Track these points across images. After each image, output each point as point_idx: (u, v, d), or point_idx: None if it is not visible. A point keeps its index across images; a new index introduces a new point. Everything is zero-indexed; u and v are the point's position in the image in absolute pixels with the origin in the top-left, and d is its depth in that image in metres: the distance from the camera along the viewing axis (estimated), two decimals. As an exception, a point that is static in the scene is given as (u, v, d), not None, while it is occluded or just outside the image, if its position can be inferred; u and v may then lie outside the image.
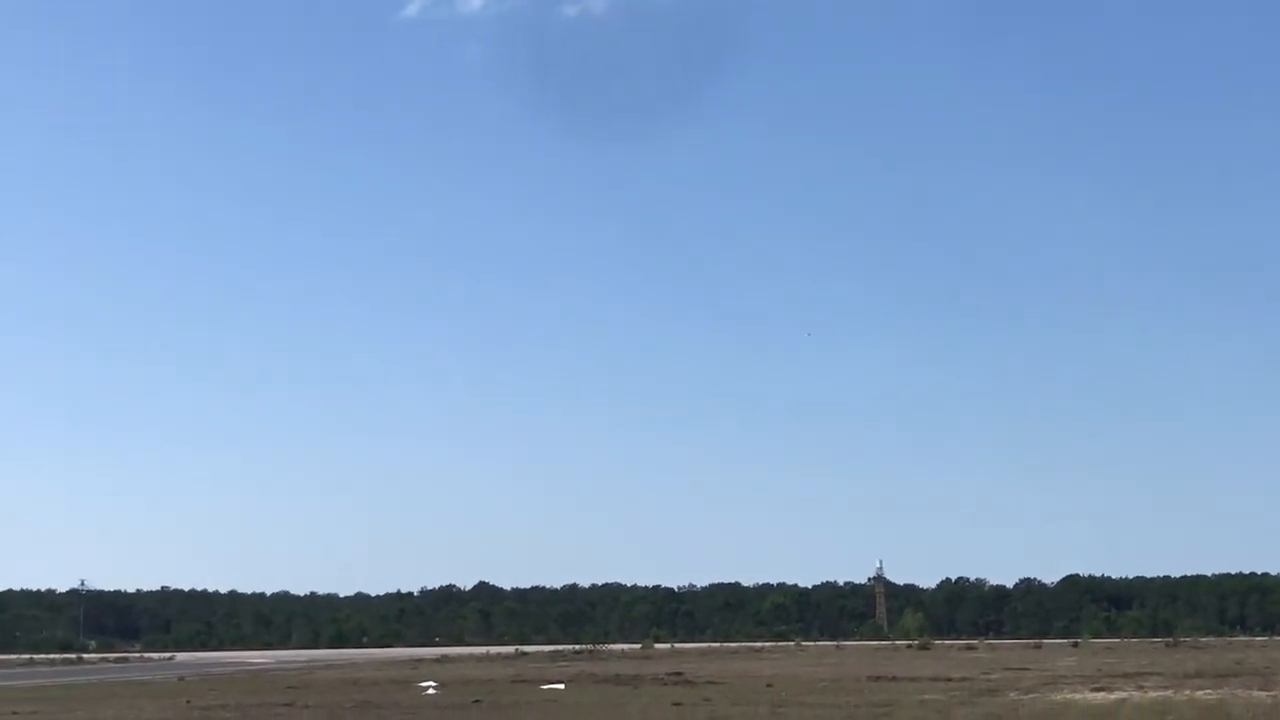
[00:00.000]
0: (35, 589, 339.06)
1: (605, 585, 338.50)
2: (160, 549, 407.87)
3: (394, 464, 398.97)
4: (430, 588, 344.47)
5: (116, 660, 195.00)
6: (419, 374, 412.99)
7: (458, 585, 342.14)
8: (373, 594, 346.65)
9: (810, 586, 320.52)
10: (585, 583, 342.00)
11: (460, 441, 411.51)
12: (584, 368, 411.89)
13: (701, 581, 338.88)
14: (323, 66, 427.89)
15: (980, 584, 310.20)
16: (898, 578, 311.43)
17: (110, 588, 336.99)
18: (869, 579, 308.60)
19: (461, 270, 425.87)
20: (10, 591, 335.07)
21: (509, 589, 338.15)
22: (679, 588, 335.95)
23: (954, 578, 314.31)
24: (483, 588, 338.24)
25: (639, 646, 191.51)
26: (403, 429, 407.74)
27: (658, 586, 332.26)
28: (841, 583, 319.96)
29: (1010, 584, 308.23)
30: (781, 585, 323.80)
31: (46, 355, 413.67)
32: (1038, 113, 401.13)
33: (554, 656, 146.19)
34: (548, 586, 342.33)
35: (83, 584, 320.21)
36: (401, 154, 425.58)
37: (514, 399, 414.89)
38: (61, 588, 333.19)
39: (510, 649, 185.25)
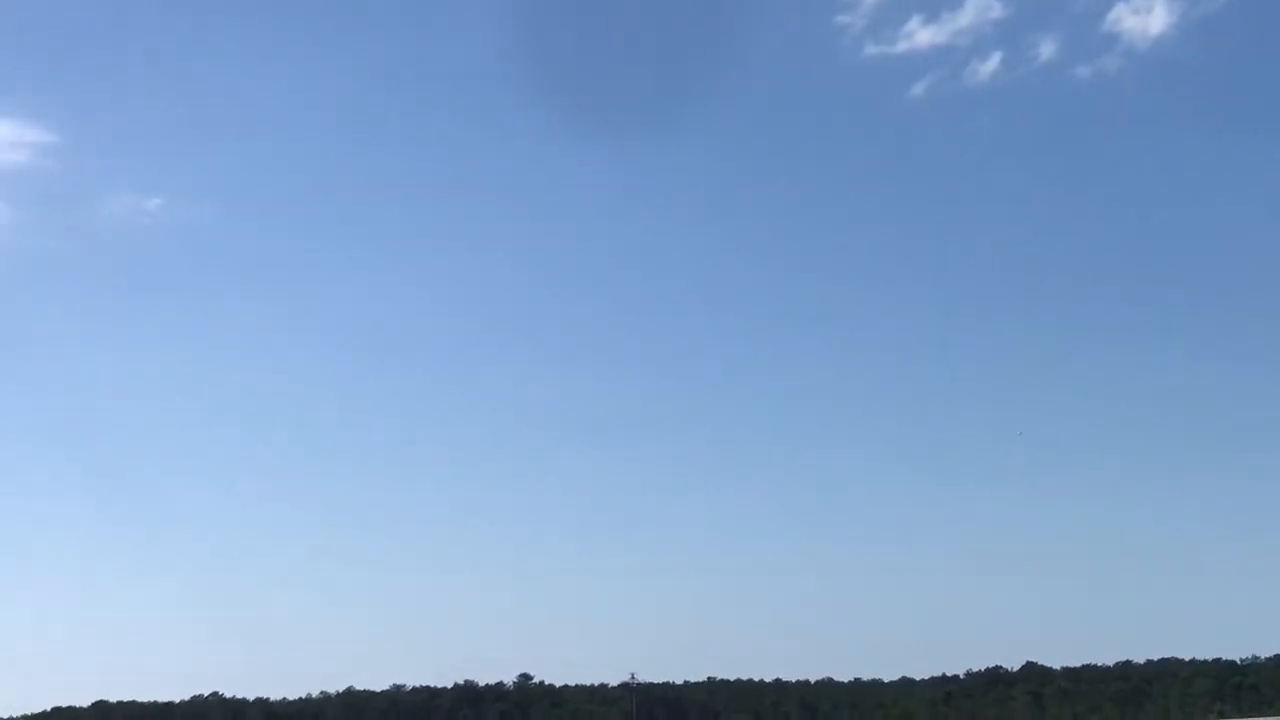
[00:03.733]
0: (589, 684, 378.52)
1: (1161, 661, 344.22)
2: (706, 639, 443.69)
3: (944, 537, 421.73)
4: (976, 670, 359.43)
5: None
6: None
7: (1005, 666, 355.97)
8: (917, 678, 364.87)
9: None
10: (1140, 659, 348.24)
11: (1005, 515, 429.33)
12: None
13: (1266, 651, 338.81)
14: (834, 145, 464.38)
15: None
16: None
17: (659, 680, 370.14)
18: None
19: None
20: (566, 687, 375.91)
21: (1059, 669, 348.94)
22: (1241, 659, 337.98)
23: None
24: (1031, 668, 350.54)
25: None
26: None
27: (1218, 659, 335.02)
28: None
29: None
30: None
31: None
32: None
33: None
34: (1100, 664, 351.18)
35: (633, 678, 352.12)
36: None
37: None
38: (613, 682, 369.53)
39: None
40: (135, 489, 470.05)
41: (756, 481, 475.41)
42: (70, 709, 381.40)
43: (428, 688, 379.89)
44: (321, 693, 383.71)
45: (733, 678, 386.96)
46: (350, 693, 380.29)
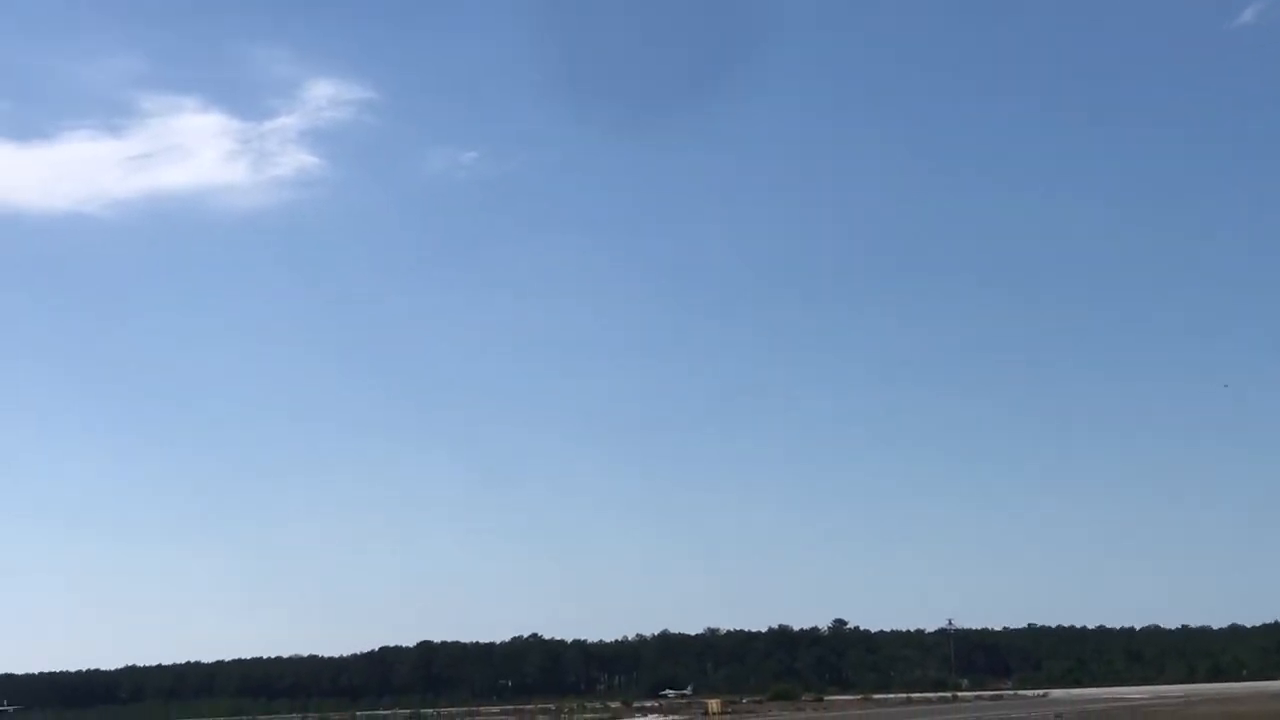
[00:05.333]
0: (906, 630, 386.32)
1: None
2: (1027, 585, 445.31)
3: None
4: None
5: (991, 698, 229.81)
6: None
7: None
8: (1249, 625, 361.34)
9: None
10: None
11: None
12: None
13: None
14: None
15: None
16: None
17: (977, 626, 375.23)
18: None
19: None
20: (883, 633, 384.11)
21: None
22: None
23: None
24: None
25: None
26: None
27: None
28: None
29: None
30: None
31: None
32: None
33: None
34: None
35: (950, 623, 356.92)
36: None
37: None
38: (930, 627, 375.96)
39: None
40: (460, 437, 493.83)
41: (1076, 424, 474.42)
42: (396, 649, 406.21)
43: (742, 631, 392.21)
44: (637, 635, 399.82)
45: (1054, 624, 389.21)
46: (666, 635, 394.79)
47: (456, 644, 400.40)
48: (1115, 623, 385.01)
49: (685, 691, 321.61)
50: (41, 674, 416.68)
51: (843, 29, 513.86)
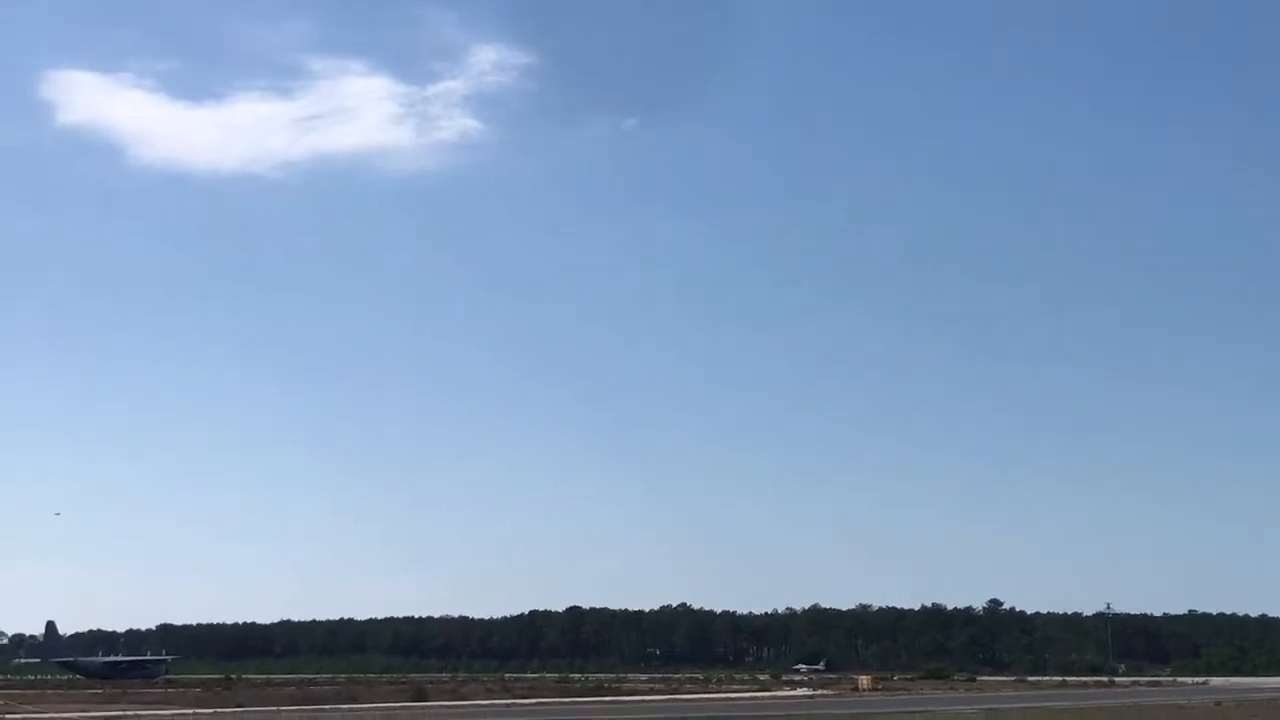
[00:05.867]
0: (1063, 612, 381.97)
1: None
2: (1187, 571, 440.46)
3: None
4: None
5: (1148, 684, 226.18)
6: None
7: None
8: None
9: None
10: None
11: None
12: None
13: None
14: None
15: None
16: None
17: (1136, 611, 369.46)
18: None
19: None
20: (1038, 614, 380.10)
21: None
22: None
23: None
24: None
25: None
26: None
27: None
28: None
29: None
30: None
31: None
32: None
33: None
34: None
35: (1109, 607, 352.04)
36: None
37: None
38: (1088, 611, 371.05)
39: None
40: (614, 409, 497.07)
41: (1238, 407, 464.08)
42: (546, 613, 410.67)
43: (894, 608, 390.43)
44: (788, 609, 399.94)
45: (1214, 611, 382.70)
46: (816, 609, 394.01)
47: (605, 610, 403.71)
48: (1278, 611, 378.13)
49: (818, 666, 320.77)
50: (200, 625, 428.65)
51: None
